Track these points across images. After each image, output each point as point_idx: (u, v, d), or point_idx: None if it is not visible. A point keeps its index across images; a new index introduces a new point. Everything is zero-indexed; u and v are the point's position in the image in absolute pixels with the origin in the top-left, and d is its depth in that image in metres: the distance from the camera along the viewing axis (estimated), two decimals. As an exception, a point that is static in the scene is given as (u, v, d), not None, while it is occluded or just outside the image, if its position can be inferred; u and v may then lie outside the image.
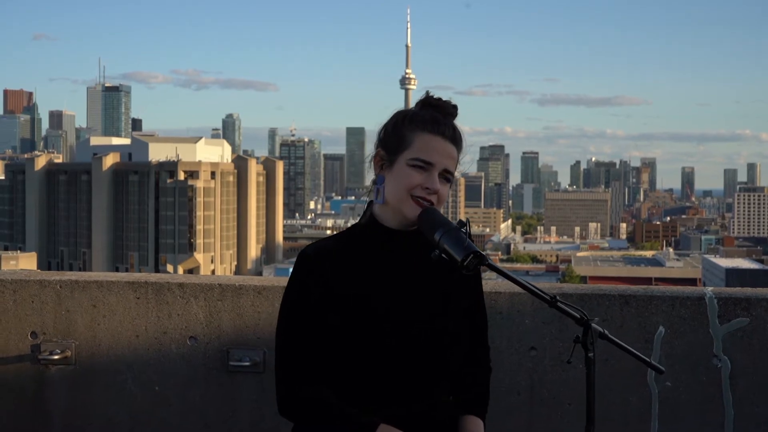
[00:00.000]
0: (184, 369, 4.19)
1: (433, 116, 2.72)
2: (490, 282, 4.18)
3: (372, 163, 2.79)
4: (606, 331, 2.64)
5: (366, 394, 2.64)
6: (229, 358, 4.15)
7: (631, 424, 3.97)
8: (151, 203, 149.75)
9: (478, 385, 2.91)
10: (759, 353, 3.91)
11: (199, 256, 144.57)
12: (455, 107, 2.77)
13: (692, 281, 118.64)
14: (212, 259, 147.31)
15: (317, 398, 2.62)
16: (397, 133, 2.71)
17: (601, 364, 3.94)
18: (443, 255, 2.47)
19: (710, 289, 4.03)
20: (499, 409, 3.95)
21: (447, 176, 2.69)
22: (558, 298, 2.56)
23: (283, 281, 3.98)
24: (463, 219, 2.53)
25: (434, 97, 2.77)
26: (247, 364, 4.11)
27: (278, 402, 2.68)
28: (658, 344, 3.93)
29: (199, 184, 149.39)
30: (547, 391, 4.01)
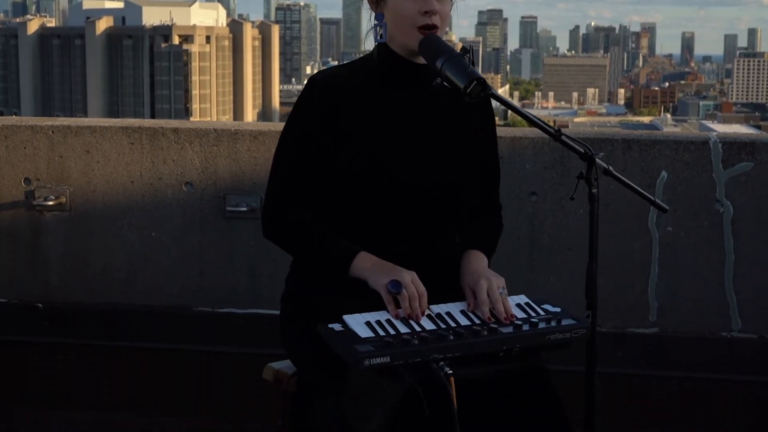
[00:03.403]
0: (181, 215, 4.15)
1: None
2: (491, 127, 4.11)
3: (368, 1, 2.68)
4: (610, 167, 2.59)
5: (361, 228, 2.58)
6: (225, 204, 4.10)
7: (632, 269, 3.95)
8: (146, 68, 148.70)
9: (488, 235, 2.85)
10: (762, 198, 3.87)
11: (195, 121, 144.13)
12: None
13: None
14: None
15: (300, 221, 2.57)
16: None
17: (603, 210, 3.90)
18: (445, 83, 2.38)
19: (714, 133, 3.96)
20: (499, 254, 3.89)
21: None
22: (562, 131, 2.50)
23: (280, 126, 3.90)
24: (466, 46, 2.44)
25: None
26: (244, 209, 4.07)
27: (263, 221, 2.64)
28: (660, 189, 3.88)
29: (194, 48, 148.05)
30: (548, 237, 3.97)
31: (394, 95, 2.62)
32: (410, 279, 2.41)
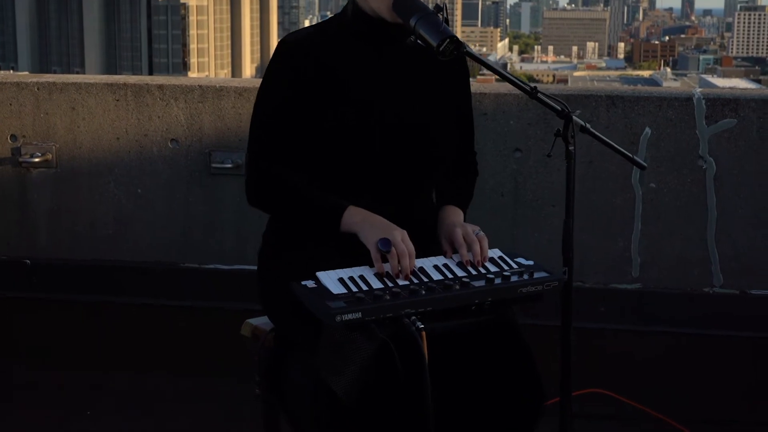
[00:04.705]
0: (167, 172, 4.17)
1: None
2: (475, 84, 4.12)
3: None
4: (588, 125, 2.59)
5: (338, 186, 2.58)
6: (211, 161, 4.12)
7: (615, 225, 3.98)
8: (143, 22, 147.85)
9: (464, 187, 2.86)
10: (744, 154, 3.88)
11: (193, 75, 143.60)
12: None
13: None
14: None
15: (288, 182, 2.56)
16: None
17: (585, 167, 3.93)
18: (419, 41, 2.38)
19: (699, 90, 3.96)
20: (483, 210, 3.94)
21: None
22: (538, 89, 2.50)
23: (265, 83, 3.91)
24: (440, 3, 2.43)
25: None
26: (229, 166, 4.08)
27: (248, 187, 2.61)
28: (644, 146, 3.90)
29: (192, 1, 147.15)
30: (531, 193, 3.99)
31: (366, 51, 2.61)
32: (401, 237, 2.42)
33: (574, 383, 3.30)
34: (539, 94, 2.47)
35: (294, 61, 2.55)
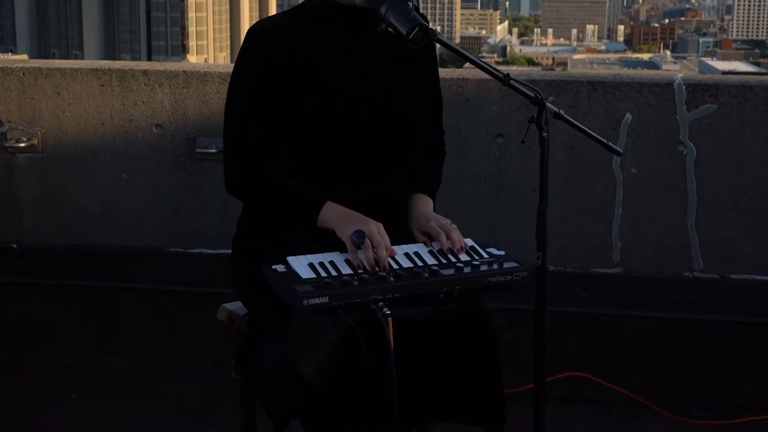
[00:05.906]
0: (152, 157, 4.19)
1: None
2: (458, 69, 4.13)
3: None
4: (561, 111, 2.61)
5: (317, 173, 2.61)
6: (195, 146, 4.14)
7: (596, 210, 4.00)
8: (142, 5, 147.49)
9: (432, 174, 2.88)
10: (724, 140, 3.90)
11: (192, 58, 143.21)
12: None
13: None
14: (205, 61, 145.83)
15: (266, 174, 2.59)
16: None
17: (567, 152, 3.95)
18: (389, 29, 2.40)
19: (679, 75, 3.98)
20: (465, 196, 3.96)
21: None
22: (511, 76, 2.52)
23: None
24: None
25: None
26: (214, 151, 4.10)
27: (227, 179, 2.64)
28: (624, 131, 3.92)
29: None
30: (513, 179, 4.01)
31: (337, 37, 2.63)
32: (376, 229, 2.44)
33: (557, 367, 3.34)
34: (512, 81, 2.50)
35: (263, 48, 2.57)
